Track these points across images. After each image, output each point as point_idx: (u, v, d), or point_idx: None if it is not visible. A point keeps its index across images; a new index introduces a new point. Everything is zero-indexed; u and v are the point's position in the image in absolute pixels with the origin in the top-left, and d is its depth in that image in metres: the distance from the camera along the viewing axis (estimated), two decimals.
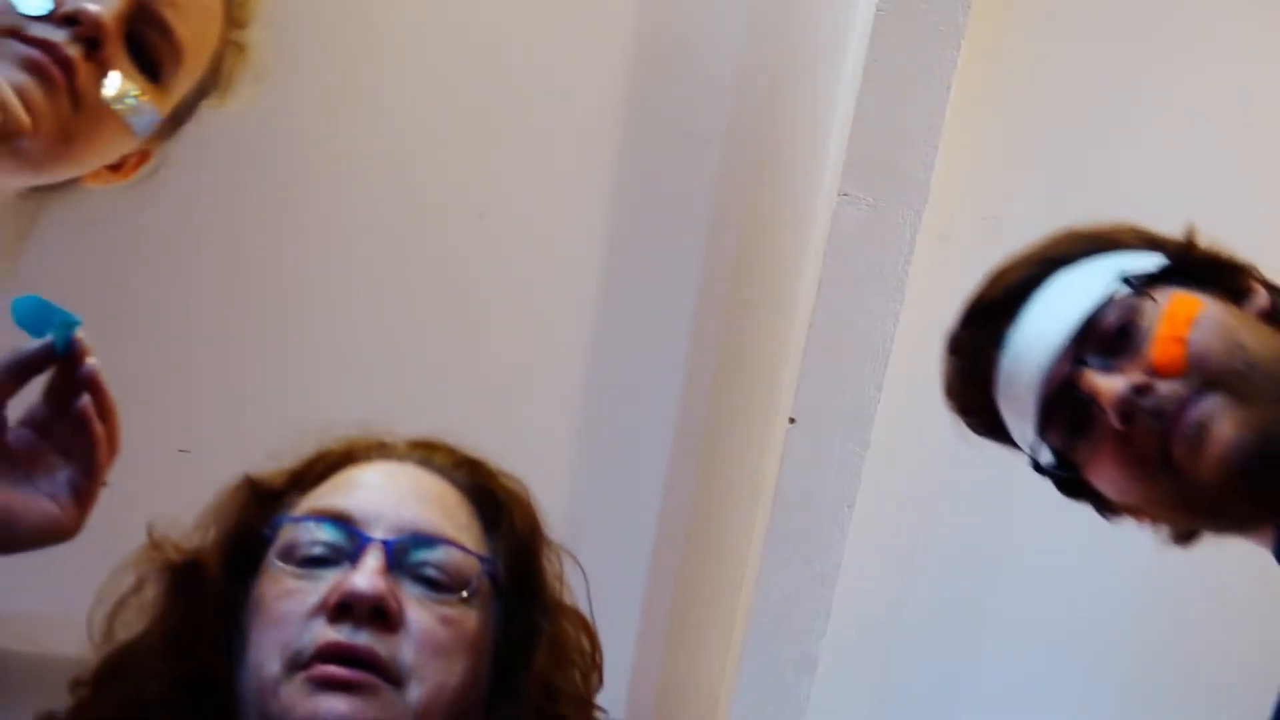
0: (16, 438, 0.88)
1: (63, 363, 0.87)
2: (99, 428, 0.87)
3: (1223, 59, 1.70)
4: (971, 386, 1.22)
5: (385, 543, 0.97)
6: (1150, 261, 1.13)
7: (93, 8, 1.03)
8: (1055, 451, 1.14)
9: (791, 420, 1.65)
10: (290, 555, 0.99)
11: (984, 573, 1.85)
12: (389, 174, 1.64)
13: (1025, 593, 1.85)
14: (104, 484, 0.90)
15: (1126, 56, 1.69)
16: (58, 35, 1.02)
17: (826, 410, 1.64)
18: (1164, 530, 1.19)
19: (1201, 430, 1.01)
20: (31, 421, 0.88)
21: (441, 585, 0.98)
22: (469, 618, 0.99)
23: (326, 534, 0.99)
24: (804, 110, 1.66)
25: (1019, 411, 1.15)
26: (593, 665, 1.10)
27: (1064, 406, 1.11)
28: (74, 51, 1.02)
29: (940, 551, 1.85)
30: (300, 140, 1.60)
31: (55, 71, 1.01)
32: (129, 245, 1.56)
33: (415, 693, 0.93)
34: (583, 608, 1.11)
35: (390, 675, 0.93)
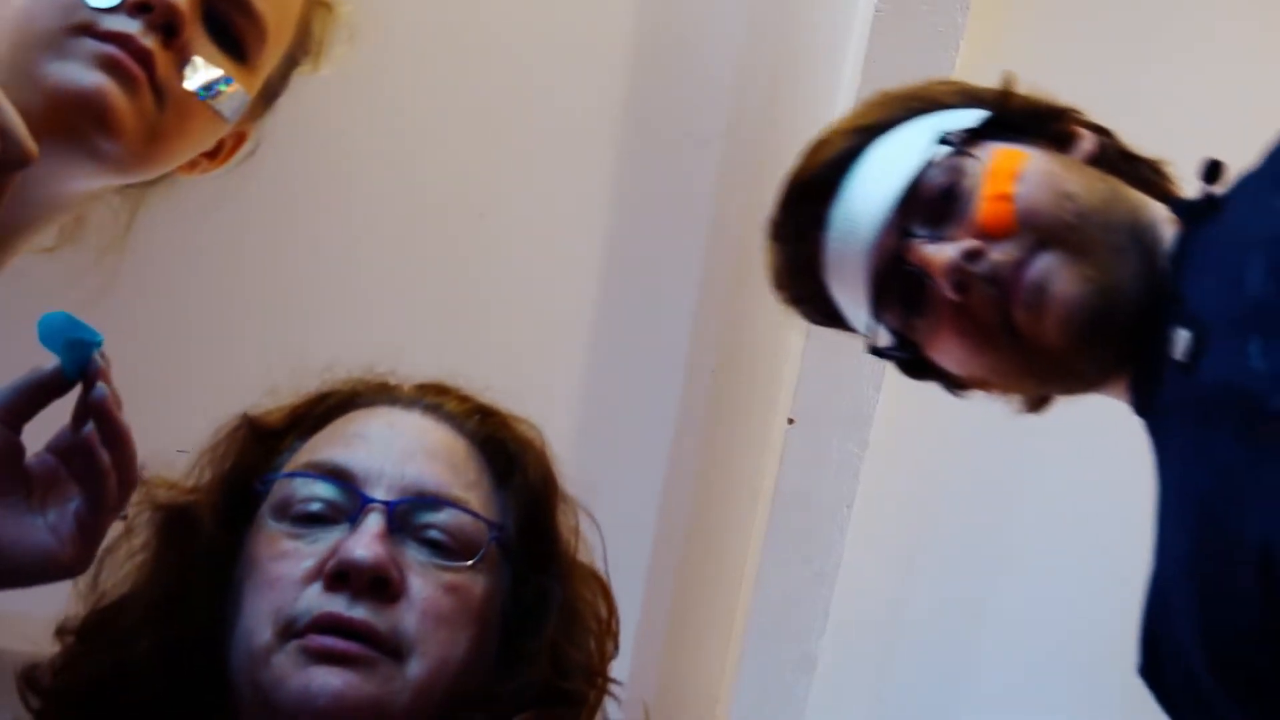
0: (39, 463, 0.82)
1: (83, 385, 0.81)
2: (104, 458, 0.80)
3: (1222, 59, 1.70)
4: (798, 274, 1.13)
5: (387, 504, 0.91)
6: (969, 117, 1.06)
7: None
8: (893, 332, 1.07)
9: (790, 420, 1.66)
10: (285, 512, 0.94)
11: (983, 573, 1.85)
12: (389, 174, 1.64)
13: (1025, 593, 1.85)
14: (120, 516, 0.85)
15: (1125, 57, 1.69)
16: (131, 26, 0.95)
17: (825, 410, 1.64)
18: (1015, 400, 1.14)
19: (1040, 291, 0.95)
20: (55, 447, 0.82)
21: (447, 550, 0.93)
22: (475, 584, 0.93)
23: (324, 491, 0.93)
24: (804, 110, 1.66)
25: (851, 294, 1.08)
26: (607, 631, 1.03)
27: (896, 283, 1.03)
28: (150, 42, 0.96)
29: (939, 551, 1.85)
30: (300, 140, 1.60)
31: (134, 67, 0.95)
32: (129, 245, 1.56)
33: (416, 667, 0.88)
34: (599, 566, 1.05)
35: (389, 648, 0.88)
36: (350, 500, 0.92)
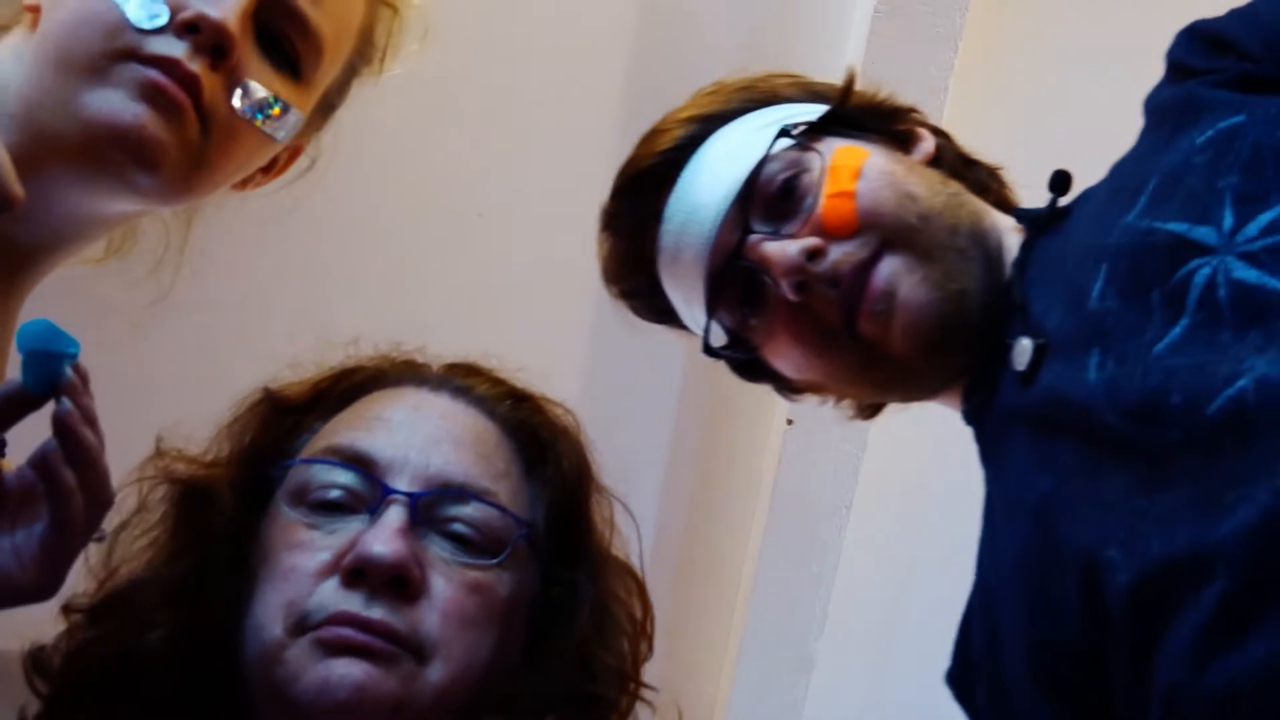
0: (16, 478, 0.76)
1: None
2: (67, 478, 0.74)
3: None
4: (631, 267, 1.08)
5: (410, 495, 0.86)
6: (809, 111, 1.02)
7: (214, 12, 0.90)
8: (728, 331, 1.02)
9: (789, 421, 1.66)
10: (302, 498, 0.88)
11: None
12: (389, 174, 1.64)
13: None
14: (96, 539, 0.79)
15: (1125, 58, 1.68)
16: (177, 49, 0.89)
17: (825, 411, 1.64)
18: (847, 406, 1.12)
19: (888, 298, 0.92)
20: (34, 461, 0.76)
21: (472, 545, 0.87)
22: (500, 583, 0.88)
23: (344, 478, 0.88)
24: None
25: (685, 290, 1.03)
26: (642, 632, 0.98)
27: (733, 280, 0.99)
28: (197, 66, 0.89)
29: (938, 552, 1.85)
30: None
31: (178, 94, 0.89)
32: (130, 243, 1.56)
33: (438, 670, 0.83)
34: (634, 562, 0.99)
35: (410, 648, 0.83)
36: (371, 489, 0.87)
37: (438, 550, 0.87)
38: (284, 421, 0.96)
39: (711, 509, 1.80)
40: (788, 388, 1.10)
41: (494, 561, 0.88)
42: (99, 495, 0.76)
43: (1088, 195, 0.96)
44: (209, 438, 0.98)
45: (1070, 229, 0.93)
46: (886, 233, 0.94)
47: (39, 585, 0.76)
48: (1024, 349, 0.88)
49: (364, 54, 1.09)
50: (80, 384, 0.76)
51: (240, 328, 1.61)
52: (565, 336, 1.70)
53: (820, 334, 0.96)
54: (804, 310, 0.95)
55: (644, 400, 1.74)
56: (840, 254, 0.93)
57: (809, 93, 1.07)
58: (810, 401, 1.64)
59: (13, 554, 0.75)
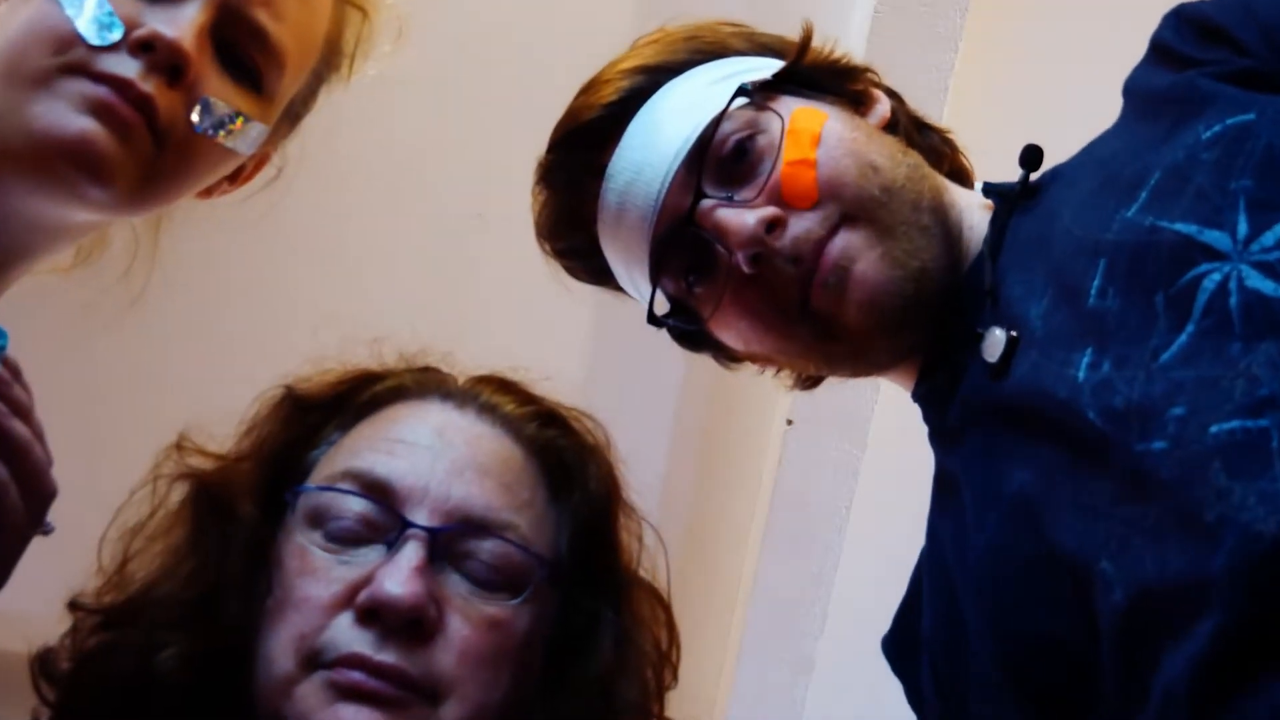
0: None
1: None
2: None
3: None
4: (569, 225, 1.02)
5: (430, 531, 0.83)
6: (763, 66, 0.97)
7: (169, 32, 0.86)
8: (671, 299, 0.97)
9: (789, 421, 1.66)
10: (318, 524, 0.85)
11: None
12: (389, 174, 1.64)
13: None
14: (42, 532, 0.76)
15: (1125, 58, 1.69)
16: (130, 69, 0.86)
17: (824, 411, 1.65)
18: (787, 377, 1.07)
19: (841, 273, 0.87)
20: None
21: (491, 583, 0.84)
22: (519, 619, 0.85)
23: (362, 507, 0.85)
24: None
25: (626, 253, 0.97)
26: (666, 661, 0.94)
27: (680, 246, 0.93)
28: (151, 86, 0.86)
29: None
30: (300, 139, 1.60)
31: (128, 113, 0.85)
32: (129, 244, 1.56)
33: (452, 711, 0.81)
34: (662, 585, 0.96)
35: (423, 691, 0.81)
36: (390, 520, 0.84)
37: (455, 587, 0.84)
38: (304, 421, 0.93)
39: (712, 508, 1.80)
40: (728, 356, 1.05)
41: (514, 601, 0.85)
42: (37, 487, 0.73)
43: (1061, 174, 0.93)
44: (216, 434, 0.96)
45: (1048, 210, 0.90)
46: (847, 205, 0.89)
47: None
48: (996, 340, 0.86)
49: (331, 61, 1.06)
50: (9, 375, 0.73)
51: (250, 328, 1.62)
52: (566, 336, 1.70)
53: (772, 308, 0.91)
54: (757, 283, 0.90)
55: (644, 400, 1.73)
56: (801, 230, 0.89)
57: (758, 45, 1.01)
58: (810, 401, 1.64)
59: None
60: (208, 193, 1.05)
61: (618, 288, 1.05)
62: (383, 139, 1.64)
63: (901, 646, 0.98)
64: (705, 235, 0.91)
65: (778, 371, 1.07)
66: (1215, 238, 0.77)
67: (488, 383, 0.96)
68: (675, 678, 0.95)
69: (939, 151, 1.03)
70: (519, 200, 1.69)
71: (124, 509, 0.91)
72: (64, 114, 0.85)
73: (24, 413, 0.74)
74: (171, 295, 1.61)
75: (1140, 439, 0.75)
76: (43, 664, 0.88)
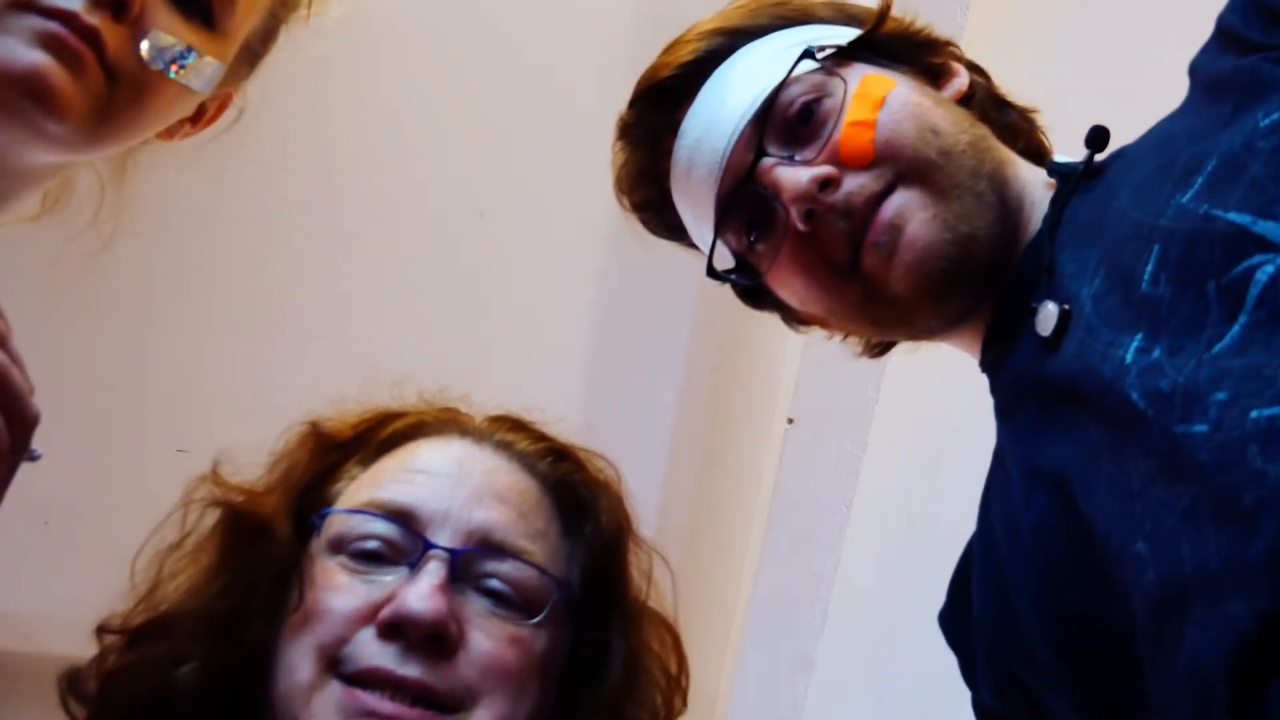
0: None
1: None
2: None
3: None
4: (644, 179, 1.05)
5: (450, 552, 0.86)
6: (840, 34, 0.99)
7: None
8: (734, 254, 0.99)
9: (790, 421, 1.66)
10: (341, 547, 0.88)
11: None
12: (389, 174, 1.64)
13: None
14: (29, 458, 0.77)
15: (1126, 58, 1.69)
16: (74, 1, 0.87)
17: (824, 410, 1.65)
18: (855, 343, 1.09)
19: (894, 233, 0.89)
20: None
21: (509, 603, 0.87)
22: (538, 639, 0.87)
23: (384, 530, 0.87)
24: None
25: (696, 208, 1.00)
26: (676, 687, 0.96)
27: (743, 203, 0.95)
28: (96, 19, 0.87)
29: (938, 551, 1.85)
30: (300, 140, 1.60)
31: (77, 45, 0.86)
32: (130, 245, 1.56)
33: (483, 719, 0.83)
34: (670, 614, 0.98)
35: (449, 705, 0.83)
36: (412, 542, 0.87)
37: (475, 606, 0.86)
38: (327, 458, 0.96)
39: (712, 507, 1.80)
40: (794, 318, 1.07)
41: (531, 621, 0.87)
42: (18, 412, 0.74)
43: (1125, 156, 0.93)
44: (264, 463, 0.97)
45: (1107, 191, 0.90)
46: (903, 166, 0.91)
47: None
48: (1049, 314, 0.86)
49: (287, 1, 1.06)
50: None
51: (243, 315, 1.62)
52: (567, 336, 1.70)
53: (825, 266, 0.93)
54: (811, 240, 0.92)
55: (644, 400, 1.74)
56: (855, 185, 0.91)
57: (844, 15, 1.02)
58: (811, 400, 1.65)
59: None
60: (169, 134, 1.05)
61: (690, 244, 1.07)
62: (383, 137, 1.64)
63: (955, 622, 1.00)
64: (764, 192, 0.94)
65: (845, 337, 1.08)
66: (1269, 229, 0.76)
67: (502, 422, 0.99)
68: (684, 704, 0.97)
69: (1016, 128, 1.04)
70: (519, 198, 1.69)
71: (155, 532, 0.92)
72: (15, 48, 0.86)
73: (3, 341, 0.74)
74: (183, 308, 1.62)
75: (1181, 421, 0.74)
76: (71, 683, 0.90)
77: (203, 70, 0.95)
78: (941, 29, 1.52)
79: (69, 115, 0.88)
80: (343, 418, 0.98)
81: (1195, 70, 0.93)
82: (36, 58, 0.86)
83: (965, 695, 1.06)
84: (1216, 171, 0.80)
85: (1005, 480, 0.92)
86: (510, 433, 0.97)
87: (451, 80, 1.63)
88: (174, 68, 0.93)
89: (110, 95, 0.90)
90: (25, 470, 0.81)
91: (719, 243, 0.98)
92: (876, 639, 1.88)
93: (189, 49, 0.93)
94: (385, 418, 0.98)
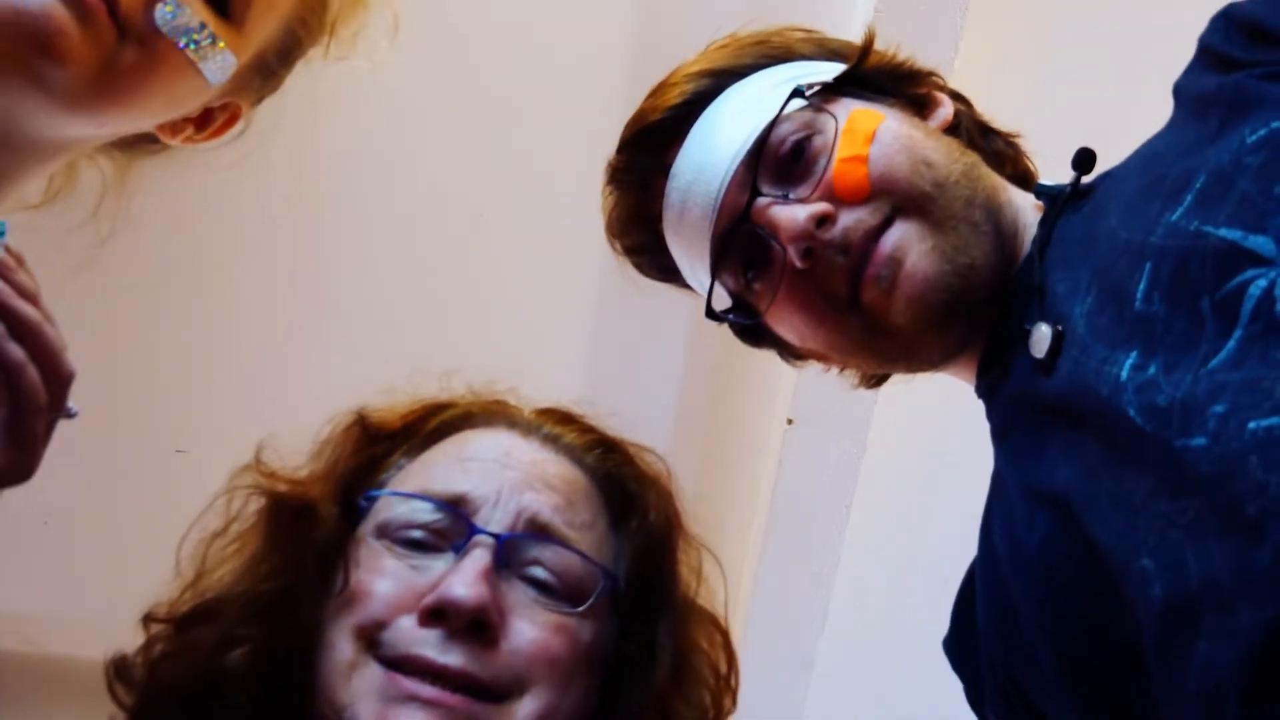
0: None
1: None
2: (13, 353, 0.73)
3: None
4: (636, 223, 1.05)
5: (496, 537, 0.85)
6: (825, 70, 0.99)
7: None
8: (731, 294, 0.99)
9: (790, 421, 1.66)
10: (388, 532, 0.88)
11: None
12: (389, 173, 1.64)
13: None
14: (66, 415, 0.77)
15: (1125, 58, 1.69)
16: None
17: (824, 411, 1.65)
18: (852, 375, 1.10)
19: (894, 265, 0.89)
20: None
21: (554, 591, 0.86)
22: (583, 629, 0.86)
23: (431, 516, 0.87)
24: None
25: (690, 249, 1.00)
26: (725, 686, 0.96)
27: (739, 242, 0.96)
28: None
29: (938, 551, 1.85)
30: (301, 140, 1.60)
31: None
32: (130, 243, 1.56)
33: (529, 706, 0.82)
34: (719, 610, 0.98)
35: (494, 693, 0.82)
36: (458, 527, 0.86)
37: (520, 595, 0.86)
38: (373, 449, 0.96)
39: (712, 507, 1.80)
40: (791, 354, 1.08)
41: (576, 609, 0.86)
42: (54, 367, 0.75)
43: (1112, 176, 0.94)
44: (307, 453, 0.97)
45: (1096, 211, 0.90)
46: (899, 200, 0.91)
47: (10, 467, 0.75)
48: (1043, 335, 0.87)
49: (308, 22, 1.06)
50: (13, 262, 0.75)
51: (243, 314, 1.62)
52: (566, 336, 1.70)
53: (824, 302, 0.94)
54: (809, 277, 0.93)
55: (644, 400, 1.74)
56: (851, 220, 0.91)
57: (826, 51, 1.04)
58: (810, 401, 1.65)
59: None
60: (172, 131, 1.05)
61: (685, 285, 1.08)
62: (383, 136, 1.64)
63: (960, 646, 0.99)
64: (760, 232, 0.94)
65: (841, 370, 1.09)
66: (1260, 243, 0.76)
67: (550, 414, 0.99)
68: (734, 703, 0.96)
69: (1002, 154, 1.04)
70: (519, 200, 1.69)
71: (199, 520, 0.92)
72: None
73: (30, 296, 0.75)
74: (183, 307, 1.62)
75: (1180, 435, 0.75)
76: (118, 670, 0.90)
77: (213, 55, 0.95)
78: (941, 29, 1.52)
79: (70, 61, 0.88)
80: (391, 408, 0.98)
81: (1180, 90, 0.94)
82: (47, 2, 0.86)
83: (964, 694, 1.07)
84: (1205, 188, 0.81)
85: (1006, 503, 0.92)
86: (558, 425, 0.97)
87: (452, 80, 1.63)
88: (184, 40, 0.93)
89: (118, 52, 0.90)
90: None
91: (716, 283, 0.99)
92: (876, 639, 1.88)
93: (202, 24, 0.94)
94: (434, 409, 0.98)
